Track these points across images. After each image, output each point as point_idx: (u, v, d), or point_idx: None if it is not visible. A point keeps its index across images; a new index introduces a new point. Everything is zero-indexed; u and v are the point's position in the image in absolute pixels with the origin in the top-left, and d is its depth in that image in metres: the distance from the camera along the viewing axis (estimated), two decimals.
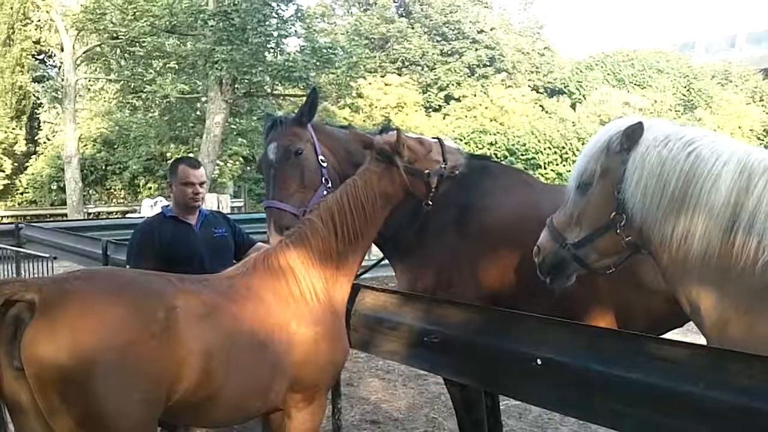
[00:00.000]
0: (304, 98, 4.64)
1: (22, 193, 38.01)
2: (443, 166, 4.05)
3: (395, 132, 3.92)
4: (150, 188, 36.54)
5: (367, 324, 4.44)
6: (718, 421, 2.70)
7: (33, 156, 38.89)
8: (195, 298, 3.18)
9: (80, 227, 12.40)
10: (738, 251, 2.86)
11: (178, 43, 25.79)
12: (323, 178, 4.36)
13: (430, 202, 4.06)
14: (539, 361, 3.33)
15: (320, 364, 3.56)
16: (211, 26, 23.53)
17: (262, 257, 3.69)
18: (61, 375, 2.73)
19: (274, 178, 4.34)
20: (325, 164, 4.39)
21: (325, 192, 4.30)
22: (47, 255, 9.98)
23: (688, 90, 53.39)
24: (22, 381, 2.79)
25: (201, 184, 4.95)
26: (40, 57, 41.41)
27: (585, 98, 50.17)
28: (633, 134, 3.15)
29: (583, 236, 3.28)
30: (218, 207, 18.63)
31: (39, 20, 37.26)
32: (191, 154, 31.60)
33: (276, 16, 25.40)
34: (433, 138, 4.21)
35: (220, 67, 23.21)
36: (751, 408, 2.57)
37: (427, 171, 3.96)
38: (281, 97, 28.90)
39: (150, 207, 23.08)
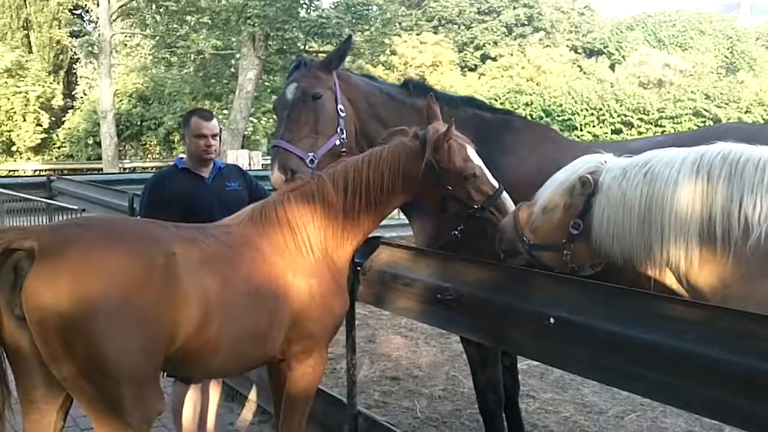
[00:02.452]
0: None
1: (59, 147, 38.48)
2: (477, 206, 3.80)
3: (448, 125, 3.70)
4: (185, 143, 36.73)
5: (382, 280, 4.36)
6: (736, 385, 2.59)
7: (70, 111, 39.27)
8: (193, 245, 3.17)
9: (110, 180, 12.49)
10: (724, 235, 2.95)
11: None
12: (338, 128, 4.25)
13: (456, 234, 4.00)
14: (552, 320, 3.23)
15: (316, 317, 3.56)
16: None
17: (259, 208, 3.67)
18: (63, 322, 2.72)
19: (287, 119, 4.23)
20: (343, 113, 4.28)
21: (337, 142, 4.20)
22: (75, 207, 10.09)
23: (731, 52, 52.18)
24: (23, 329, 2.79)
25: (214, 136, 4.89)
26: (77, 12, 41.65)
27: (624, 59, 49.28)
28: (588, 182, 3.35)
29: (536, 244, 3.55)
30: (249, 164, 18.64)
31: None
32: (225, 111, 31.73)
33: None
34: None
35: (252, 23, 23.07)
36: None
37: (449, 188, 3.77)
38: (314, 54, 28.68)
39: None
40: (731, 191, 2.97)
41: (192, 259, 3.09)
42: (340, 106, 4.28)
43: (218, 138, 4.98)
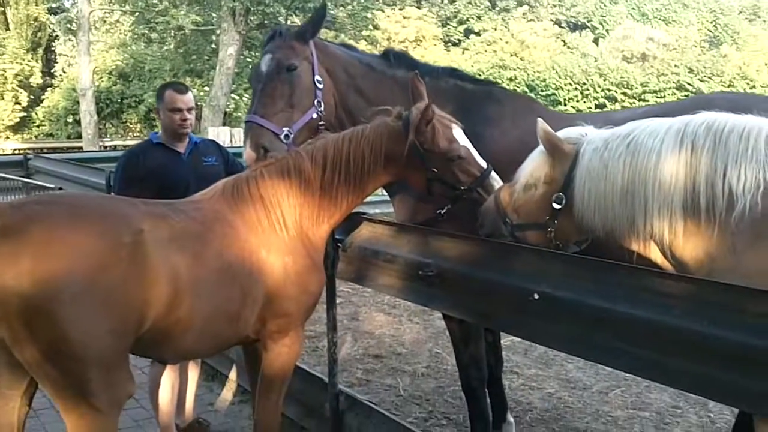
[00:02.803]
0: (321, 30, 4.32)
1: (38, 126, 38.00)
2: (465, 188, 3.71)
3: (428, 106, 3.55)
4: None
5: (363, 256, 4.25)
6: (725, 361, 2.52)
7: (49, 89, 38.75)
8: (162, 221, 3.05)
9: (88, 159, 12.29)
10: (708, 206, 2.87)
11: None
12: (316, 100, 4.08)
13: (441, 212, 3.88)
14: (536, 296, 3.14)
15: (291, 295, 3.45)
16: None
17: (231, 183, 3.55)
18: (25, 303, 2.59)
19: (260, 92, 4.06)
20: (320, 85, 4.11)
21: (314, 115, 4.06)
22: (52, 186, 9.91)
23: (714, 25, 52.24)
24: None
25: (189, 110, 4.74)
26: None
27: (608, 33, 49.22)
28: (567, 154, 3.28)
29: (519, 224, 3.45)
30: (231, 140, 18.42)
31: None
32: (206, 87, 31.38)
33: None
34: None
35: None
36: (759, 347, 2.37)
37: (434, 171, 3.65)
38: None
39: None
40: (715, 161, 2.87)
41: (161, 236, 2.96)
42: (317, 78, 4.11)
43: (193, 112, 4.82)
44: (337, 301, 8.12)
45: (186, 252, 3.03)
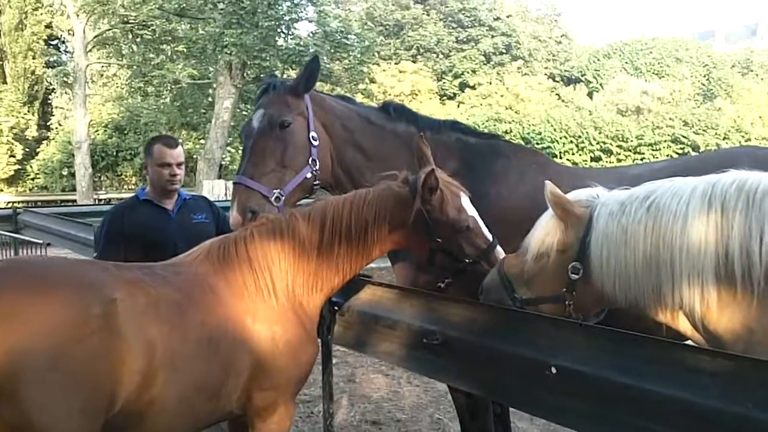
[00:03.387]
0: (316, 84, 4.08)
1: (33, 179, 37.91)
2: (469, 260, 3.46)
3: (430, 172, 3.30)
4: None
5: (362, 321, 3.98)
6: None
7: (44, 141, 38.75)
8: (136, 288, 2.77)
9: (79, 213, 12.05)
10: (744, 274, 2.59)
11: (189, 27, 25.38)
12: (310, 159, 3.83)
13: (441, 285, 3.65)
14: (553, 370, 2.87)
15: (279, 367, 3.14)
16: (221, 9, 23.15)
17: (218, 244, 3.27)
18: None
19: (250, 151, 3.81)
20: (316, 142, 3.86)
21: (308, 175, 3.81)
22: (40, 241, 9.67)
23: (707, 79, 52.78)
24: None
25: (179, 164, 4.50)
26: (54, 42, 41.23)
27: (602, 87, 49.68)
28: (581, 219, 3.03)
29: (531, 298, 3.19)
30: (226, 194, 18.25)
31: (51, 4, 37.02)
32: (202, 141, 31.33)
33: None
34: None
35: (229, 51, 22.83)
36: None
37: (439, 240, 3.40)
38: None
39: None
40: (749, 225, 2.61)
41: (135, 306, 2.69)
42: (312, 134, 3.87)
43: (183, 167, 4.58)
44: (334, 362, 7.88)
45: (162, 322, 2.75)
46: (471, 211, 3.47)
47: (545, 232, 3.12)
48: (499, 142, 4.32)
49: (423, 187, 3.29)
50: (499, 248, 3.46)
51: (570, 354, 2.86)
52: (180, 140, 4.73)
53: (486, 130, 28.79)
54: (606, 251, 2.89)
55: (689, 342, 2.86)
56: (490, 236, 3.48)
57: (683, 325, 2.85)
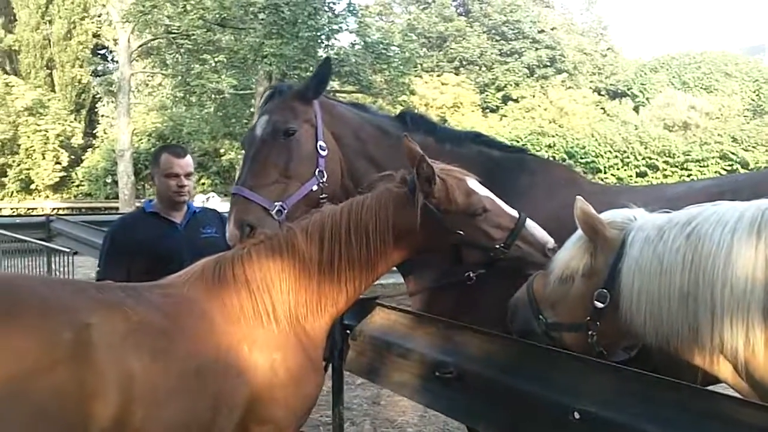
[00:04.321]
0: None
1: (77, 186, 38.47)
2: (500, 246, 3.09)
3: (421, 160, 2.99)
4: (203, 184, 36.58)
5: (375, 348, 3.69)
6: None
7: (90, 149, 39.33)
8: (115, 312, 2.49)
9: (109, 222, 11.99)
10: None
11: (230, 37, 25.47)
12: (317, 170, 3.53)
13: (470, 275, 3.25)
14: (577, 415, 2.55)
15: (279, 399, 2.83)
16: (261, 19, 23.14)
17: (213, 264, 2.97)
18: None
19: (251, 159, 3.53)
20: (324, 152, 3.57)
21: (314, 187, 3.52)
22: (68, 250, 9.61)
23: (757, 94, 51.63)
24: None
25: (187, 175, 4.26)
26: (101, 52, 41.96)
27: (648, 101, 48.84)
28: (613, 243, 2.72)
29: (555, 322, 2.90)
30: None
31: (98, 14, 37.67)
32: (244, 151, 31.37)
33: (327, 9, 24.86)
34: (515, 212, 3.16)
35: (269, 62, 22.80)
36: None
37: (459, 233, 3.07)
38: (332, 93, 28.39)
39: (202, 202, 22.77)
40: None
41: (112, 332, 2.42)
42: (320, 143, 3.58)
43: (192, 178, 4.35)
44: (358, 382, 7.61)
45: (144, 352, 2.47)
46: (484, 191, 3.13)
47: (571, 255, 2.82)
48: (526, 156, 4.00)
49: (418, 179, 2.98)
50: (529, 222, 3.11)
51: (596, 397, 2.54)
52: (188, 150, 4.49)
53: (529, 144, 28.38)
54: (638, 281, 2.57)
55: (730, 391, 2.50)
56: (515, 212, 3.13)
57: (723, 370, 2.48)
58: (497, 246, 3.07)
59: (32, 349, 2.21)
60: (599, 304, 2.67)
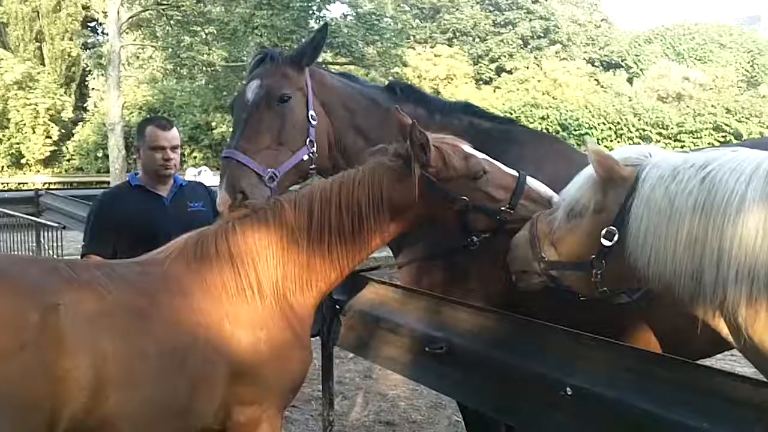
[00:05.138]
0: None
1: (69, 160, 38.22)
2: (505, 207, 3.00)
3: (412, 127, 2.89)
4: (195, 157, 36.37)
5: (365, 323, 3.63)
6: None
7: (80, 123, 39.02)
8: (87, 291, 2.39)
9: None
10: None
11: (221, 9, 25.18)
12: (308, 139, 3.44)
13: (473, 240, 3.08)
14: (569, 390, 2.50)
15: (264, 377, 2.75)
16: None
17: (196, 238, 2.87)
18: None
19: (244, 123, 3.41)
20: (314, 122, 3.48)
21: (305, 157, 3.43)
22: (56, 224, 9.51)
23: (752, 65, 51.48)
24: None
25: (173, 148, 4.16)
26: (91, 24, 41.49)
27: (643, 72, 48.70)
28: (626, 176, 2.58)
29: (557, 261, 2.77)
30: None
31: None
32: (233, 116, 31.13)
33: None
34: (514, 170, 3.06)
35: (260, 33, 22.59)
36: None
37: (464, 198, 2.97)
38: (324, 65, 28.13)
39: (194, 176, 22.62)
40: None
41: (83, 313, 2.33)
42: (311, 113, 3.48)
43: (179, 150, 4.25)
44: (350, 356, 7.58)
45: (117, 333, 2.39)
46: (480, 155, 3.04)
47: (581, 191, 2.71)
48: (516, 127, 3.91)
49: (413, 147, 2.88)
50: (530, 179, 3.03)
51: (589, 373, 2.49)
52: (174, 122, 4.39)
53: (522, 116, 28.24)
54: (647, 220, 2.45)
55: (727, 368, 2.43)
56: (513, 171, 3.05)
57: (723, 327, 2.41)
58: (502, 207, 2.99)
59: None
60: (607, 242, 2.56)
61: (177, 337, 2.54)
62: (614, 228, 2.54)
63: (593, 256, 2.61)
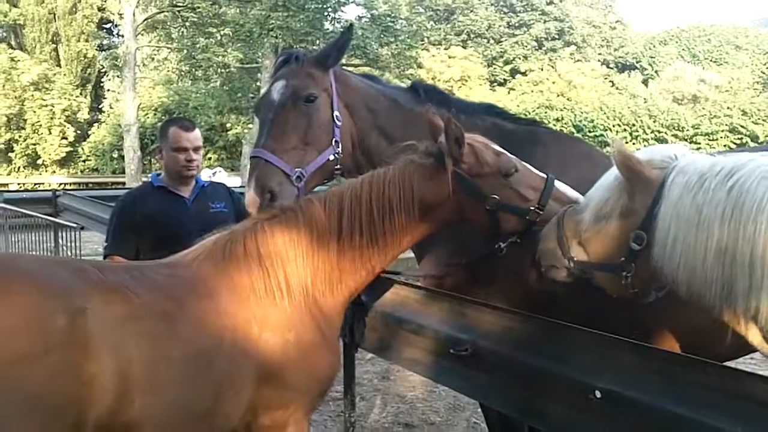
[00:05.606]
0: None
1: (84, 161, 38.46)
2: (535, 207, 2.95)
3: (448, 121, 2.87)
4: (210, 159, 36.51)
5: (386, 323, 3.63)
6: None
7: (96, 124, 39.27)
8: (115, 294, 2.37)
9: (115, 197, 11.94)
10: None
11: (236, 11, 25.27)
12: (333, 140, 3.45)
13: (501, 244, 3.04)
14: (598, 394, 2.49)
15: (291, 382, 2.73)
16: None
17: (225, 239, 2.85)
18: None
19: (271, 123, 3.41)
20: (339, 122, 3.49)
21: (331, 157, 3.43)
22: (74, 225, 9.55)
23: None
24: None
25: (196, 149, 4.17)
26: (107, 26, 41.72)
27: (658, 74, 48.45)
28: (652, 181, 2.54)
29: (584, 262, 2.74)
30: None
31: None
32: (250, 126, 31.33)
33: None
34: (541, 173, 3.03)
35: (275, 35, 22.65)
36: None
37: (494, 197, 2.93)
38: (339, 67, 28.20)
39: (209, 177, 22.69)
40: None
41: (111, 317, 2.31)
42: (336, 113, 3.50)
43: (201, 152, 4.26)
44: (367, 357, 7.57)
45: (144, 337, 2.38)
46: (509, 154, 3.02)
47: (608, 194, 2.67)
48: (540, 128, 3.89)
49: (448, 141, 2.86)
50: (557, 182, 3.00)
51: (617, 376, 2.47)
52: (196, 124, 4.40)
53: (537, 118, 28.16)
54: (675, 228, 2.41)
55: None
56: (540, 173, 3.02)
57: (754, 336, 2.37)
58: (532, 207, 2.95)
59: (25, 334, 2.10)
60: (635, 246, 2.54)
61: (204, 341, 2.52)
62: (642, 233, 2.52)
63: (622, 259, 2.58)
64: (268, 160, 3.31)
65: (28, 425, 2.08)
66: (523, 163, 3.02)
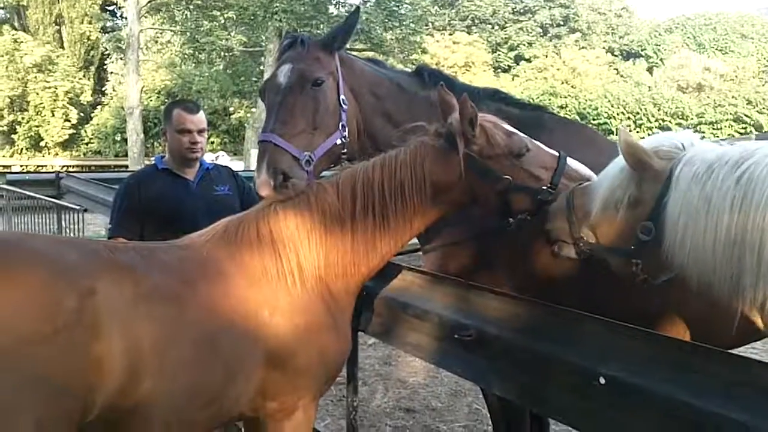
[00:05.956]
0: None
1: (87, 144, 38.46)
2: (547, 187, 2.91)
3: (464, 100, 2.83)
4: (213, 142, 36.45)
5: (389, 308, 3.61)
6: None
7: (99, 107, 39.22)
8: (126, 275, 2.35)
9: (118, 179, 11.92)
10: None
11: None
12: (340, 123, 3.43)
13: (509, 222, 3.00)
14: (602, 380, 2.47)
15: (302, 365, 2.71)
16: None
17: (236, 222, 2.84)
18: None
19: (279, 107, 3.38)
20: (345, 106, 3.47)
21: (338, 141, 3.42)
22: (78, 207, 9.54)
23: None
24: None
25: (200, 131, 4.15)
26: (110, 8, 41.59)
27: (663, 62, 48.25)
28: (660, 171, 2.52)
29: (594, 245, 2.74)
30: None
31: None
32: (253, 109, 31.27)
33: None
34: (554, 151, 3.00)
35: (279, 18, 22.53)
36: None
37: (507, 178, 2.88)
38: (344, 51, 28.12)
39: (211, 161, 22.65)
40: None
41: (121, 298, 2.29)
42: (342, 97, 3.48)
43: (205, 134, 4.24)
44: (369, 342, 7.58)
45: (153, 319, 2.35)
46: (520, 133, 2.98)
47: (616, 183, 2.64)
48: (544, 114, 3.86)
49: (463, 121, 2.83)
50: (569, 159, 2.97)
51: (623, 362, 2.44)
52: (200, 106, 4.38)
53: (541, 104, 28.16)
54: (683, 219, 2.39)
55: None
56: (553, 151, 2.99)
57: (761, 322, 2.38)
58: (545, 187, 2.91)
59: (33, 313, 2.08)
60: (644, 237, 2.53)
61: (213, 324, 2.51)
62: (650, 223, 2.51)
63: (632, 247, 2.58)
64: (278, 144, 3.29)
65: (37, 405, 2.06)
66: (535, 142, 2.99)
